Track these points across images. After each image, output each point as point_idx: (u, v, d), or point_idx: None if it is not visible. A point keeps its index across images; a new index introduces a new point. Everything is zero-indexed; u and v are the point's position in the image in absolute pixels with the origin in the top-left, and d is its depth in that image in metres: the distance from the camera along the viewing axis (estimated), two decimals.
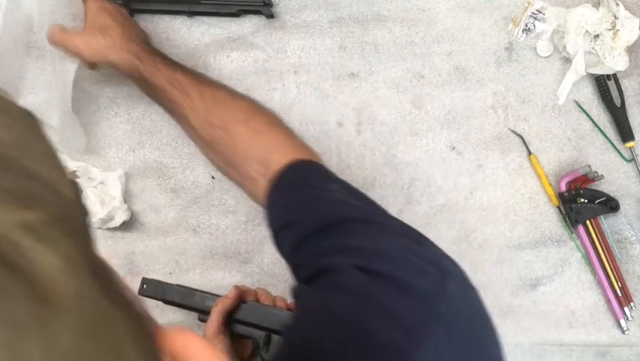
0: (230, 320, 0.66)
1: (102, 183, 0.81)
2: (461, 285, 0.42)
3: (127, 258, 0.82)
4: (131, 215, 0.81)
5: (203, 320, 0.68)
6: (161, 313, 0.81)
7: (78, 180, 0.81)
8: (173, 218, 0.82)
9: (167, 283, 0.71)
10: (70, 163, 0.81)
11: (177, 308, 0.72)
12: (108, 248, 0.82)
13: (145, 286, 0.71)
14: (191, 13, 0.81)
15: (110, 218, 0.79)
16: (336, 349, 0.39)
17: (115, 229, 0.80)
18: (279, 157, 0.57)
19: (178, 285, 0.71)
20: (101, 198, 0.79)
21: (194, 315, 0.71)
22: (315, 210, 0.51)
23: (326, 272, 0.44)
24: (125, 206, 0.80)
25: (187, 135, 0.70)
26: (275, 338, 0.66)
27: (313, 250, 0.48)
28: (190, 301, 0.70)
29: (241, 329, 0.67)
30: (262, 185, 0.57)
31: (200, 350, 0.25)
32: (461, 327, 0.40)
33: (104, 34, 0.69)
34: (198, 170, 0.81)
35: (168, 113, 0.71)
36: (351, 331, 0.39)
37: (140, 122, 0.82)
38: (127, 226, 0.81)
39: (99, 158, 0.83)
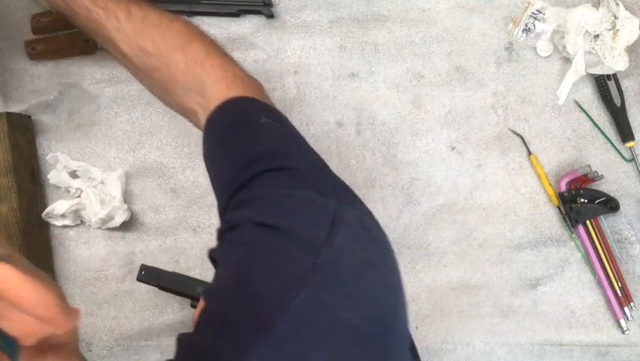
0: None
1: (102, 183, 0.81)
2: (354, 238, 0.41)
3: (127, 258, 0.82)
4: (131, 215, 0.81)
5: (194, 306, 0.70)
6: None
7: (78, 180, 0.81)
8: (173, 218, 0.82)
9: (164, 271, 0.73)
10: (71, 163, 0.81)
11: (173, 295, 0.74)
12: (108, 248, 0.82)
13: (143, 272, 0.73)
14: (191, 13, 0.81)
15: (110, 218, 0.79)
16: (228, 304, 0.39)
17: (115, 229, 0.80)
18: (216, 92, 0.54)
19: (173, 272, 0.73)
20: (101, 198, 0.79)
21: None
22: (235, 166, 0.49)
23: (230, 229, 0.45)
24: (125, 206, 0.80)
25: (118, 61, 0.64)
26: None
27: (229, 208, 0.48)
28: (182, 287, 0.72)
29: None
30: (202, 117, 0.55)
31: (12, 279, 0.26)
32: (344, 278, 0.39)
33: None
34: (198, 170, 0.81)
35: (92, 35, 0.63)
36: (235, 283, 0.40)
37: (140, 122, 0.82)
38: (127, 225, 0.81)
39: (99, 158, 0.83)
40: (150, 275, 0.73)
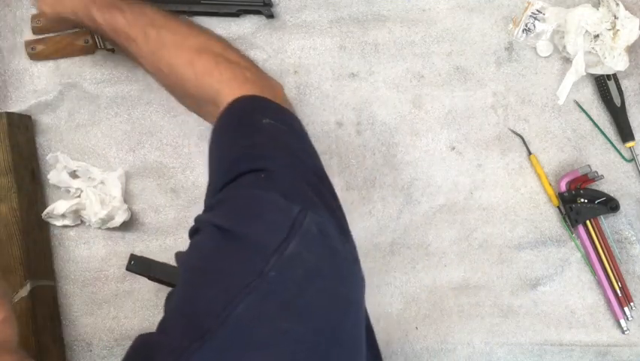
0: None
1: (102, 183, 0.81)
2: (309, 245, 0.41)
3: (127, 258, 0.82)
4: (131, 215, 0.81)
5: None
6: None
7: (78, 180, 0.81)
8: (173, 218, 0.82)
9: (153, 261, 0.72)
10: (71, 163, 0.81)
11: (164, 286, 0.73)
12: (108, 248, 0.82)
13: (132, 262, 0.72)
14: (191, 13, 0.81)
15: (110, 218, 0.79)
16: (177, 310, 0.40)
17: (115, 229, 0.80)
18: (226, 96, 0.54)
19: (164, 263, 0.72)
20: (101, 198, 0.79)
21: None
22: (223, 166, 0.49)
23: (195, 231, 0.45)
24: (125, 206, 0.80)
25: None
26: None
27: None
28: (173, 278, 0.71)
29: None
30: None
31: None
32: (289, 287, 0.39)
33: None
34: (198, 170, 0.81)
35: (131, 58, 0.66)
36: (184, 289, 0.41)
37: (140, 122, 0.82)
38: (127, 225, 0.81)
39: (99, 158, 0.83)
40: (140, 265, 0.71)
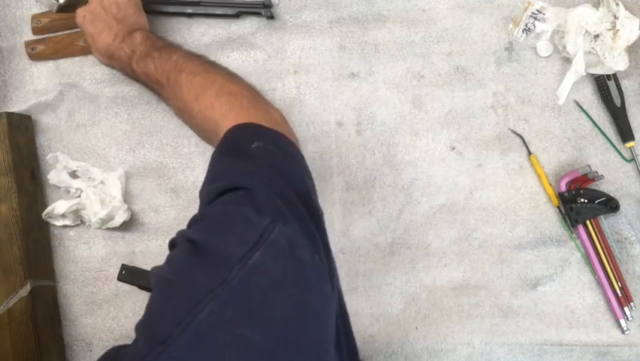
0: None
1: (102, 183, 0.81)
2: (275, 256, 0.42)
3: (127, 258, 0.82)
4: (131, 215, 0.81)
5: None
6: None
7: (78, 180, 0.81)
8: (173, 218, 0.82)
9: (144, 270, 0.73)
10: (71, 163, 0.81)
11: None
12: (108, 248, 0.82)
13: (124, 272, 0.73)
14: (192, 15, 0.81)
15: (110, 218, 0.79)
16: (145, 318, 0.41)
17: (115, 229, 0.80)
18: (225, 126, 0.58)
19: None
20: (101, 198, 0.79)
21: None
22: (211, 188, 0.51)
23: (172, 246, 0.47)
24: (125, 206, 0.80)
25: None
26: None
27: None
28: None
29: None
30: None
31: None
32: (251, 295, 0.40)
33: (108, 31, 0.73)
34: (198, 170, 0.81)
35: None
36: (153, 298, 0.42)
37: (140, 122, 0.82)
38: (127, 225, 0.81)
39: (99, 158, 0.83)
40: (131, 275, 0.73)
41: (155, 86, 0.70)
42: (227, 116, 0.59)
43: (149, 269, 0.72)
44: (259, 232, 0.43)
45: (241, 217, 0.44)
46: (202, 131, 0.66)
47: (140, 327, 0.41)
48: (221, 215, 0.46)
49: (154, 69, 0.68)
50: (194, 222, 0.48)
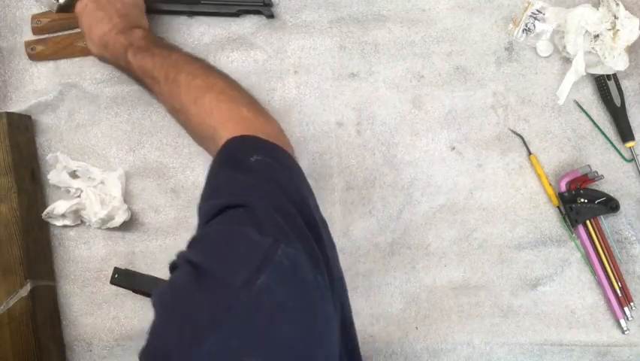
0: None
1: (102, 183, 0.81)
2: (279, 278, 0.41)
3: (127, 258, 0.82)
4: (131, 215, 0.81)
5: None
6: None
7: (78, 180, 0.81)
8: (173, 218, 0.82)
9: (137, 273, 0.72)
10: (71, 163, 0.81)
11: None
12: (108, 248, 0.82)
13: (116, 275, 0.73)
14: (192, 14, 0.81)
15: (110, 218, 0.79)
16: (148, 344, 0.41)
17: (115, 229, 0.80)
18: (223, 135, 0.57)
19: (148, 275, 0.72)
20: (101, 198, 0.79)
21: None
22: (210, 204, 0.50)
23: (173, 268, 0.46)
24: (125, 206, 0.80)
25: None
26: None
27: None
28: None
29: None
30: None
31: None
32: (256, 321, 0.39)
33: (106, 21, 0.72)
34: (198, 170, 0.81)
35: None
36: (155, 324, 0.41)
37: (140, 122, 0.82)
38: (127, 225, 0.81)
39: (99, 158, 0.83)
40: (124, 278, 0.72)
41: (149, 81, 0.68)
42: (226, 125, 0.58)
43: (143, 272, 0.72)
44: (262, 254, 0.42)
45: (243, 238, 0.44)
46: (198, 134, 0.65)
47: (143, 357, 0.40)
48: (222, 236, 0.45)
49: (151, 64, 0.67)
50: (194, 243, 0.47)
